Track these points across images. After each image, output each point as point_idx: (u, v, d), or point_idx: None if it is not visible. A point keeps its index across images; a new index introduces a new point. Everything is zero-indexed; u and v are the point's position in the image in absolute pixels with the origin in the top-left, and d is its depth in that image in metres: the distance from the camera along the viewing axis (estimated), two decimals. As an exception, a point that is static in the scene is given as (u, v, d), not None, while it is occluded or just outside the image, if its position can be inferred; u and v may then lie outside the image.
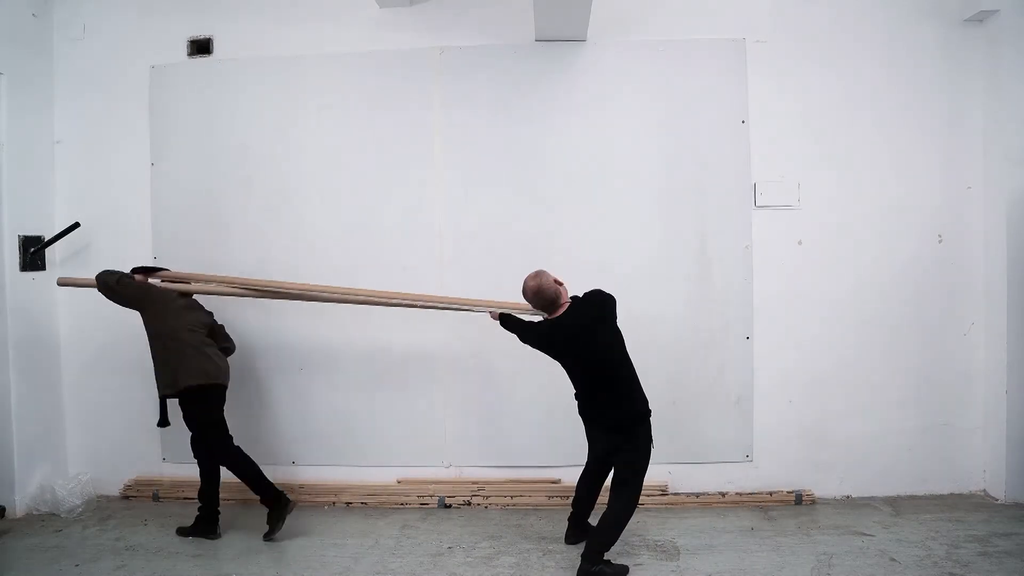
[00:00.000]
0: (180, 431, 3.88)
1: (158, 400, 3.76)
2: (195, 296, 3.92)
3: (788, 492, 4.11)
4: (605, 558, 3.18)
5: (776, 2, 4.15)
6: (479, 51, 4.23)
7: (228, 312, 4.25)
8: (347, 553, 3.54)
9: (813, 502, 4.09)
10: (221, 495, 3.79)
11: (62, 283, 4.03)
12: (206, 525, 3.77)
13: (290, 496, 3.75)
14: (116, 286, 3.69)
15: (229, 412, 3.74)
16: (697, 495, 4.14)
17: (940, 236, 4.12)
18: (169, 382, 3.63)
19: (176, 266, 4.05)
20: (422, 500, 4.18)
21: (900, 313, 4.12)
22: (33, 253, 4.21)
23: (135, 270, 3.84)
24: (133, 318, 3.71)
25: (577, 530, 3.56)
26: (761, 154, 4.13)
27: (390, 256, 4.22)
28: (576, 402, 3.40)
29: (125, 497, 4.39)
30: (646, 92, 4.17)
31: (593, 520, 3.49)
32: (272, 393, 4.34)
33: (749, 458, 4.16)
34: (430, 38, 4.25)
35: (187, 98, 4.38)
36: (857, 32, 4.12)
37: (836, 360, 4.13)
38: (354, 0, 4.26)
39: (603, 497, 3.44)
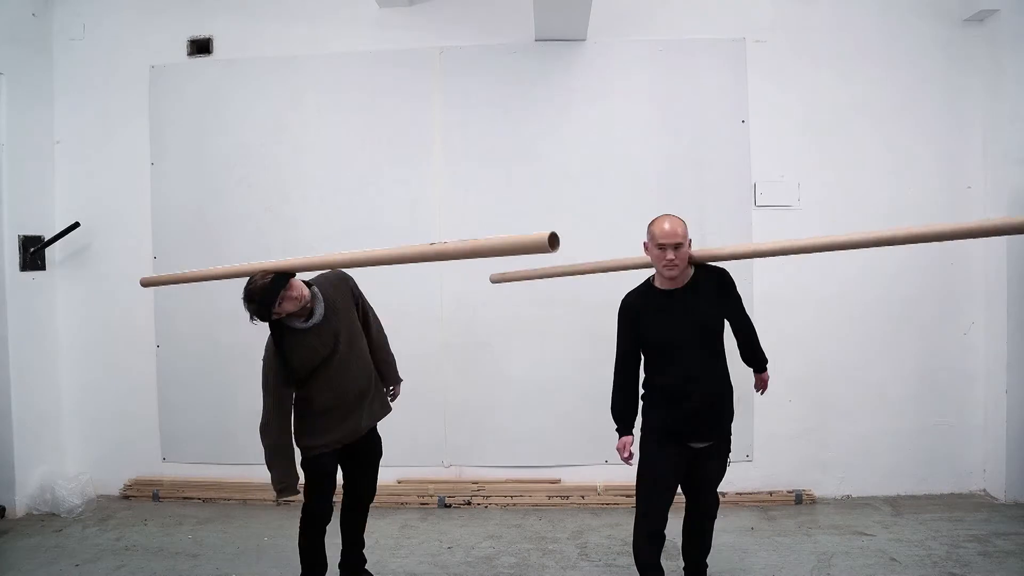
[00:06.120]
0: (180, 431, 3.89)
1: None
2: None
3: (788, 492, 4.12)
4: None
5: (776, 2, 4.15)
6: (479, 51, 4.23)
7: (226, 309, 4.25)
8: (347, 553, 3.54)
9: (813, 502, 4.09)
10: (222, 493, 3.76)
11: None
12: None
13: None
14: None
15: (228, 411, 3.72)
16: (697, 495, 4.14)
17: (940, 236, 4.12)
18: None
19: (176, 265, 4.02)
20: (422, 500, 4.18)
21: (900, 313, 4.11)
22: (33, 253, 4.21)
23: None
24: (133, 318, 3.67)
25: None
26: (761, 154, 4.13)
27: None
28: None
29: (125, 497, 4.38)
30: (646, 92, 4.17)
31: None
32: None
33: (749, 458, 4.16)
34: (430, 38, 4.25)
35: (187, 98, 4.38)
36: (857, 32, 4.11)
37: (836, 360, 4.13)
38: (354, 0, 4.26)
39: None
